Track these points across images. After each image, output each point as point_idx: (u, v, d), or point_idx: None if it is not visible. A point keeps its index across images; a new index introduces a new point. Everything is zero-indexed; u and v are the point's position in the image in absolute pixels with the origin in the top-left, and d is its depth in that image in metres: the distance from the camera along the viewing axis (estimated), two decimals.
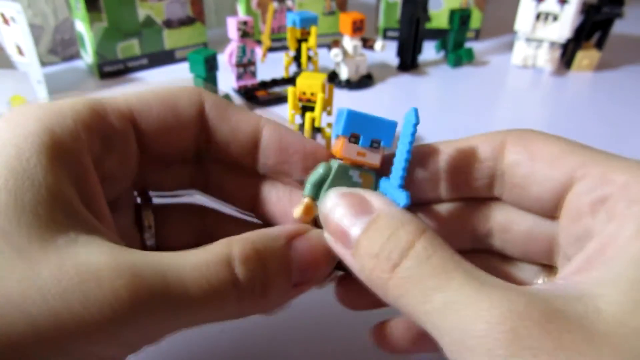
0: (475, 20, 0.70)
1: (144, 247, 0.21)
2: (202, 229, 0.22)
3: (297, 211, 0.19)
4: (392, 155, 0.18)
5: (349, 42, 0.54)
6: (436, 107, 0.54)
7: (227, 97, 0.46)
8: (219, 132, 0.19)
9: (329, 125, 0.39)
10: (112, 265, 0.14)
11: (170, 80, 0.57)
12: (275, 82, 0.54)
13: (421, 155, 0.19)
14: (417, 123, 0.18)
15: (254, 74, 0.54)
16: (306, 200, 0.19)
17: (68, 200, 0.15)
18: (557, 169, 0.17)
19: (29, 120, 0.15)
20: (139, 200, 0.22)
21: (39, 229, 0.14)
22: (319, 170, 0.19)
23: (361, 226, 0.16)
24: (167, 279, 0.14)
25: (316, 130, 0.38)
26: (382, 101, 0.53)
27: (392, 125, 0.19)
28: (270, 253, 0.16)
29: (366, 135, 0.19)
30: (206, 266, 0.15)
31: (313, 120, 0.37)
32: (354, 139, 0.19)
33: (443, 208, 0.20)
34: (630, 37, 0.75)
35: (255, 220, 0.22)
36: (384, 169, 0.19)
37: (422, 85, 0.58)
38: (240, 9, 0.65)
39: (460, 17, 0.60)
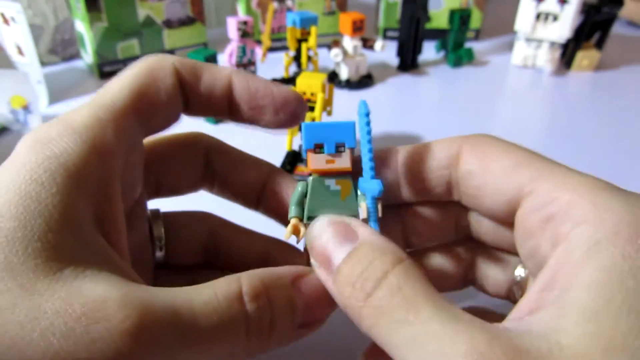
0: (475, 20, 0.70)
1: (154, 258, 0.22)
2: (209, 238, 0.23)
3: (286, 233, 0.19)
4: (359, 156, 0.19)
5: (349, 42, 0.54)
6: (436, 107, 0.54)
7: None
8: (197, 91, 0.20)
9: None
10: (122, 303, 0.13)
11: None
12: (275, 82, 0.54)
13: (383, 157, 0.20)
14: (368, 113, 0.18)
15: (254, 74, 0.54)
16: (293, 221, 0.19)
17: (80, 226, 0.15)
18: (507, 184, 0.17)
19: (51, 141, 0.15)
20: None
21: (46, 259, 0.13)
22: (298, 188, 0.20)
23: (343, 254, 0.16)
24: (179, 315, 0.14)
25: None
26: (382, 101, 0.53)
27: (350, 125, 0.19)
28: (277, 291, 0.16)
29: (329, 143, 0.19)
30: (217, 301, 0.15)
31: (313, 120, 0.37)
32: (319, 149, 0.19)
33: (424, 206, 0.21)
34: (630, 37, 0.75)
35: (258, 231, 0.23)
36: (357, 171, 0.19)
37: (422, 85, 0.58)
38: (240, 9, 0.65)
39: (460, 17, 0.60)
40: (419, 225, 0.21)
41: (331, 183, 0.19)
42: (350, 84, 0.55)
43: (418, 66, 0.62)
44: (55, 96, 0.51)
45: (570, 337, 0.13)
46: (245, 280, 0.16)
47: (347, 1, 0.68)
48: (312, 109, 0.37)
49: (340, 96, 0.53)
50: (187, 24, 0.61)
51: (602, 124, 0.48)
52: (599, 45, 0.62)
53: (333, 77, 0.56)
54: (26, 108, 0.42)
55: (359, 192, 0.19)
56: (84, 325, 0.13)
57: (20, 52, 0.47)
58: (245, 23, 0.50)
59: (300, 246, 0.22)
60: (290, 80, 0.55)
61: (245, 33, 0.51)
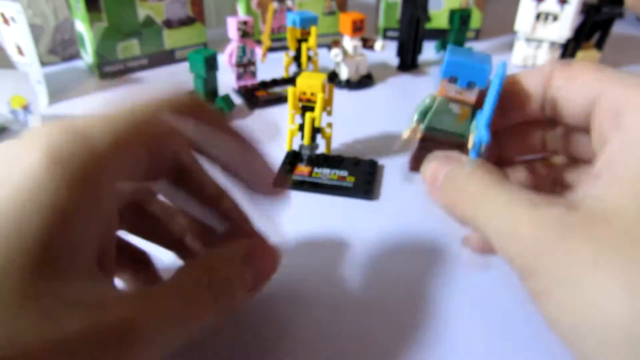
0: (475, 20, 0.70)
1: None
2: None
3: (405, 132, 0.24)
4: (486, 92, 0.22)
5: (349, 42, 0.54)
6: None
7: (227, 97, 0.46)
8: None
9: (329, 125, 0.39)
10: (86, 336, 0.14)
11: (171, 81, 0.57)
12: (275, 82, 0.54)
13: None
14: (504, 75, 0.21)
15: (254, 74, 0.54)
16: (414, 123, 0.24)
17: (68, 252, 0.15)
18: (584, 91, 0.20)
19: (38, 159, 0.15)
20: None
21: (23, 284, 0.14)
22: (426, 100, 0.24)
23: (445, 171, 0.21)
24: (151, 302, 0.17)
25: (316, 130, 0.38)
26: (382, 101, 0.53)
27: (486, 70, 0.22)
28: (231, 269, 0.21)
29: (463, 78, 0.22)
30: (186, 276, 0.19)
31: (313, 120, 0.37)
32: (453, 80, 0.23)
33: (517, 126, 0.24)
34: (630, 37, 0.75)
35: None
36: (480, 103, 0.22)
37: (422, 85, 0.58)
38: (240, 9, 0.65)
39: (460, 17, 0.60)
40: (512, 143, 0.25)
41: (454, 107, 0.23)
42: (350, 84, 0.55)
43: (418, 66, 0.62)
44: (55, 96, 0.51)
45: (615, 198, 0.16)
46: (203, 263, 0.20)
47: (347, 1, 0.68)
48: (312, 109, 0.37)
49: (340, 96, 0.53)
50: (187, 24, 0.61)
51: None
52: (599, 45, 0.62)
53: (333, 77, 0.56)
54: (26, 108, 0.42)
55: (474, 122, 0.23)
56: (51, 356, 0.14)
57: (20, 52, 0.47)
58: (245, 23, 0.50)
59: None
60: (290, 80, 0.55)
61: (245, 33, 0.51)
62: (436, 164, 0.22)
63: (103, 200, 0.16)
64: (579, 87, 0.21)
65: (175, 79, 0.57)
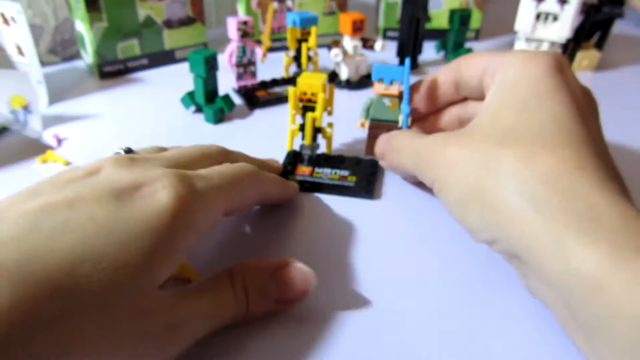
0: (475, 20, 0.70)
1: None
2: None
3: (358, 125, 0.38)
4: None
5: (349, 42, 0.54)
6: None
7: (227, 97, 0.46)
8: None
9: (330, 125, 0.39)
10: None
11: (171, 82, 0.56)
12: (275, 82, 0.54)
13: (415, 86, 0.35)
14: (410, 67, 0.35)
15: (254, 74, 0.54)
16: (362, 119, 0.38)
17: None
18: (480, 65, 0.30)
19: None
20: None
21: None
22: (367, 101, 0.37)
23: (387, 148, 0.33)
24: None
25: (317, 130, 0.38)
26: None
27: (400, 69, 0.35)
28: (253, 279, 0.24)
29: (387, 78, 0.35)
30: (217, 281, 0.23)
31: (314, 120, 0.37)
32: (381, 81, 0.36)
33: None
34: (630, 37, 0.75)
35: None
36: (402, 96, 0.35)
37: None
38: (240, 9, 0.65)
39: (460, 17, 0.60)
40: (439, 121, 0.36)
41: (386, 100, 0.36)
42: (351, 84, 0.55)
43: (418, 66, 0.62)
44: (55, 96, 0.51)
45: (480, 123, 0.27)
46: (234, 272, 0.24)
47: (347, 1, 0.68)
48: (312, 109, 0.37)
49: (341, 96, 0.53)
50: (187, 24, 0.61)
51: (602, 124, 0.48)
52: (599, 45, 0.62)
53: (333, 77, 0.56)
54: (26, 108, 0.42)
55: (400, 107, 0.35)
56: None
57: (20, 52, 0.47)
58: (245, 23, 0.50)
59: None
60: (291, 81, 0.55)
61: (245, 33, 0.51)
62: (381, 141, 0.34)
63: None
64: (474, 66, 0.31)
65: (175, 79, 0.57)
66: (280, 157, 0.39)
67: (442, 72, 0.33)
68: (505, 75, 0.27)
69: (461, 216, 0.26)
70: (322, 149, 0.40)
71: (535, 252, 0.21)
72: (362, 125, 0.37)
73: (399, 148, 0.31)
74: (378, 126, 0.37)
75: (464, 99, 0.34)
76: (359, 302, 0.26)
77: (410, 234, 0.31)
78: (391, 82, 0.34)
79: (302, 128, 0.38)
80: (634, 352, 0.17)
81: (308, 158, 0.38)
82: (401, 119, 0.34)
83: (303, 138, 0.38)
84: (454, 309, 0.26)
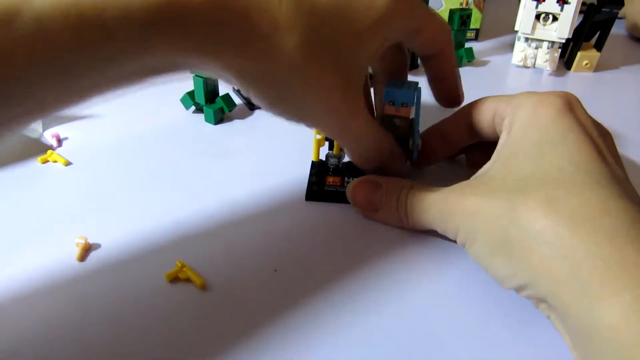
0: (475, 20, 0.70)
1: None
2: None
3: None
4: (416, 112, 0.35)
5: None
6: (436, 106, 0.53)
7: (227, 97, 0.47)
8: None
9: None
10: None
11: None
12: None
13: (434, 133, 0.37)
14: (419, 95, 0.35)
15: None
16: None
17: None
18: (488, 110, 0.32)
19: None
20: None
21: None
22: (379, 120, 0.35)
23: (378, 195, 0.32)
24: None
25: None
26: None
27: (411, 94, 0.34)
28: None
29: (397, 101, 0.34)
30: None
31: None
32: (391, 103, 0.34)
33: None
34: (630, 37, 0.75)
35: None
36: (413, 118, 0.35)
37: (422, 84, 0.58)
38: None
39: (460, 17, 0.60)
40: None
41: (397, 120, 0.34)
42: None
43: (418, 66, 0.62)
44: None
45: (493, 170, 0.27)
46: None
47: None
48: None
49: None
50: None
51: (602, 124, 0.48)
52: (599, 45, 0.62)
53: None
54: None
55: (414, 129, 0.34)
56: None
57: None
58: None
59: None
60: None
61: None
62: (362, 191, 0.33)
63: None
64: (483, 112, 0.32)
65: (175, 79, 0.57)
66: (280, 157, 0.39)
67: (450, 119, 0.35)
68: (515, 119, 0.28)
69: (488, 266, 0.25)
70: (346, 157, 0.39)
71: (562, 299, 0.21)
72: None
73: (414, 202, 0.29)
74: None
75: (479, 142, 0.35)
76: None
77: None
78: (402, 105, 0.33)
79: (327, 138, 0.37)
80: None
81: (334, 167, 0.37)
82: (411, 143, 0.35)
83: (329, 147, 0.37)
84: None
